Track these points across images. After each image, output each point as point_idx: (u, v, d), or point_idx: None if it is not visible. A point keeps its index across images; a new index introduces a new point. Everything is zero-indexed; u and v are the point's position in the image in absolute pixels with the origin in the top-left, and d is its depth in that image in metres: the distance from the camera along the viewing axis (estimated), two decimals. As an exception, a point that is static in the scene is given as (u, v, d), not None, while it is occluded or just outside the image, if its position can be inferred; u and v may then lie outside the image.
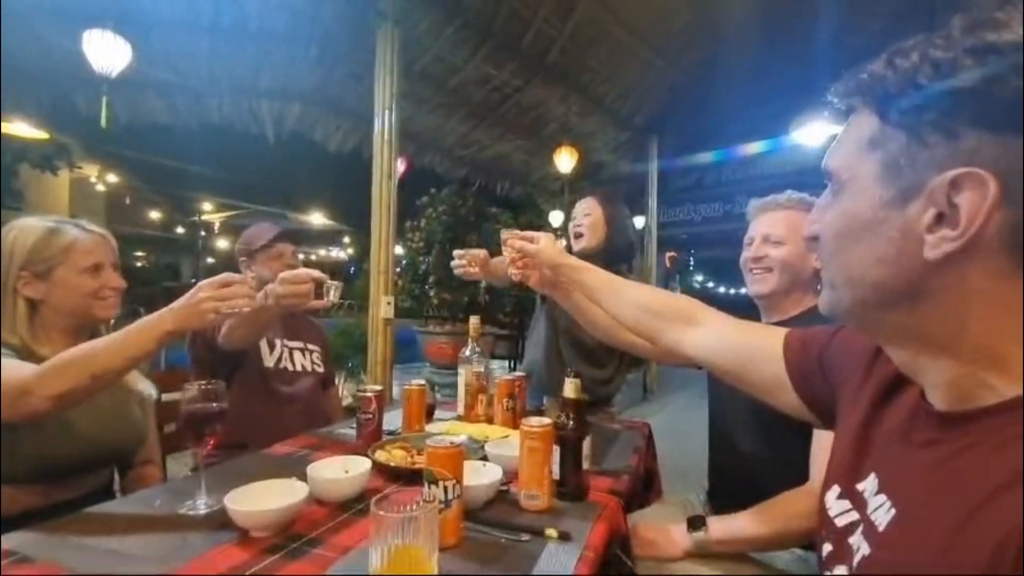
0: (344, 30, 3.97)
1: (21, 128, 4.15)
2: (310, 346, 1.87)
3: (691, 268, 31.15)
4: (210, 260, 11.96)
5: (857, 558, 0.50)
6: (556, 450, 0.97)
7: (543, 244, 1.17)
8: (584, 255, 1.95)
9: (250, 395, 1.60)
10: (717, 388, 1.33)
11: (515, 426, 1.41)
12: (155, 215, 10.42)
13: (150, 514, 0.89)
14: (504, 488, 0.99)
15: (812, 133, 5.12)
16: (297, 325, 1.85)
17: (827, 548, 0.58)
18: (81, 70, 3.19)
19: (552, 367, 1.90)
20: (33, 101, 3.98)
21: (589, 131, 5.96)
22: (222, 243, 11.74)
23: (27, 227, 1.13)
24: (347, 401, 3.14)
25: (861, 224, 0.48)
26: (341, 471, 0.99)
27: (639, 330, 0.95)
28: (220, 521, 0.83)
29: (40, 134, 4.37)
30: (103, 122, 3.08)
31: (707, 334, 0.85)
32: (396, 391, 3.65)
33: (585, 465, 1.01)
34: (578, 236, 1.96)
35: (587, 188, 6.12)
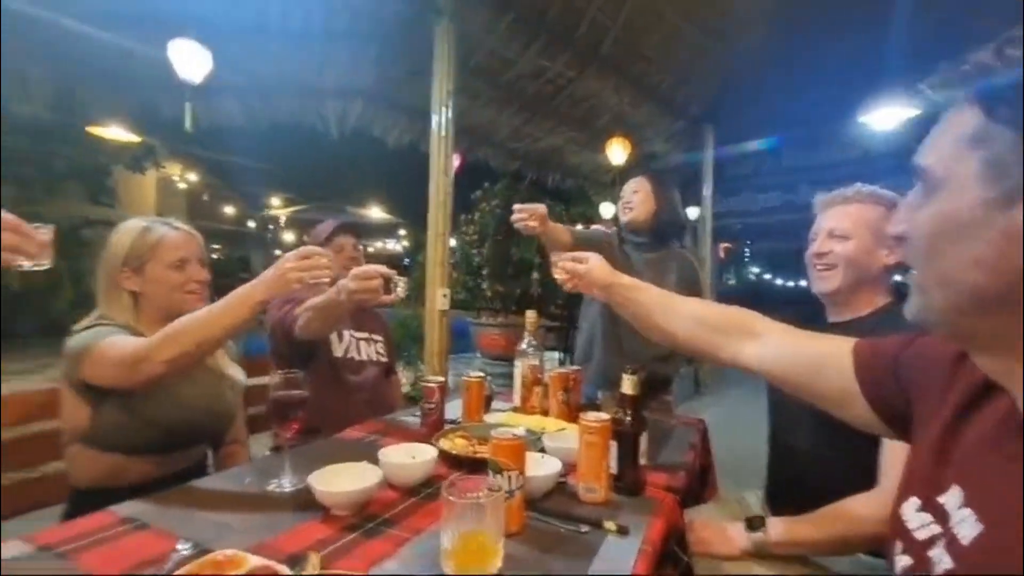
0: (402, 28, 4.06)
1: (116, 132, 4.52)
2: (375, 336, 1.95)
3: (746, 259, 29.92)
4: (277, 252, 12.65)
5: (938, 571, 0.49)
6: (614, 445, 0.98)
7: (592, 264, 1.11)
8: (633, 227, 1.96)
9: (322, 383, 1.69)
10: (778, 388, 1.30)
11: (570, 419, 1.43)
12: (229, 210, 11.10)
13: (241, 491, 0.97)
14: (562, 480, 1.02)
15: (883, 117, 4.79)
16: (363, 317, 1.93)
17: (904, 560, 0.56)
18: (167, 77, 3.44)
19: (607, 360, 1.91)
20: (125, 107, 4.31)
21: (642, 121, 5.83)
22: (288, 236, 12.36)
23: (126, 228, 1.25)
24: (405, 389, 3.26)
25: (959, 225, 0.46)
26: (408, 457, 1.04)
27: (696, 345, 0.93)
28: (304, 500, 0.90)
29: (132, 138, 4.73)
30: (187, 126, 3.30)
31: (768, 346, 0.83)
32: (450, 381, 3.75)
33: (642, 460, 1.02)
34: (627, 210, 2.00)
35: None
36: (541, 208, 1.63)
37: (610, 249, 1.91)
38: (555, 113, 5.55)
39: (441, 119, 3.29)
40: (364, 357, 1.88)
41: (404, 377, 3.90)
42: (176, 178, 7.06)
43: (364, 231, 2.22)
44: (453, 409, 1.51)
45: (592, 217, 6.49)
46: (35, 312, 4.79)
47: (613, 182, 6.67)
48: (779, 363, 0.82)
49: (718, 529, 1.08)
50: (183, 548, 0.72)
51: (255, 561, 0.68)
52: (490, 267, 4.79)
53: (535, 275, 5.16)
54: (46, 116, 4.40)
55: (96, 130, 4.53)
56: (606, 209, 6.54)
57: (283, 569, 0.67)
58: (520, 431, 0.89)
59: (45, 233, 0.65)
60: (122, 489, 1.10)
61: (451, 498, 0.67)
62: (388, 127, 5.53)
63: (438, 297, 3.26)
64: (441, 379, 1.35)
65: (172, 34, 3.36)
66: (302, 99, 5.08)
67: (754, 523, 1.03)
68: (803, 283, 1.31)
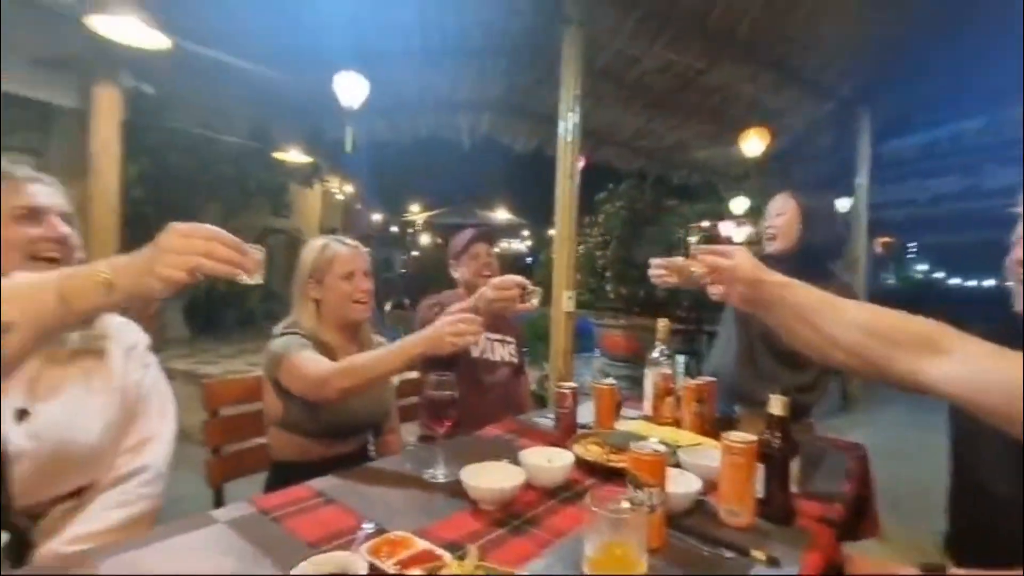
0: (530, 40, 4.17)
1: (293, 155, 5.29)
2: (507, 338, 2.04)
3: (910, 256, 25.70)
4: (414, 253, 13.74)
5: None
6: (760, 468, 0.92)
7: (739, 259, 0.97)
8: (774, 259, 1.76)
9: (461, 383, 1.82)
10: (964, 413, 1.11)
11: (704, 432, 1.37)
12: (376, 217, 12.35)
13: (402, 475, 1.09)
14: (701, 497, 0.99)
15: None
16: (497, 319, 2.03)
17: None
18: (330, 104, 3.92)
19: (744, 373, 1.78)
20: (300, 134, 5.00)
21: (781, 108, 5.30)
22: (425, 239, 13.38)
23: (311, 246, 1.46)
24: (531, 386, 3.35)
25: None
26: (546, 460, 1.08)
27: (863, 356, 0.80)
28: (454, 490, 0.98)
29: (305, 159, 5.48)
30: (348, 148, 3.72)
31: (958, 365, 0.71)
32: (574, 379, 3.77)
33: (792, 487, 0.95)
34: (771, 239, 1.80)
35: (777, 180, 5.45)
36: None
37: None
38: (682, 107, 5.29)
39: (568, 124, 3.32)
40: (497, 358, 1.98)
41: (530, 375, 4.01)
42: (335, 190, 7.99)
43: (496, 237, 2.32)
44: (584, 412, 1.53)
45: (722, 214, 6.06)
46: (234, 307, 5.83)
47: (746, 175, 6.16)
48: (973, 387, 0.69)
49: (883, 570, 0.96)
50: (367, 527, 0.83)
51: (421, 545, 0.76)
52: (614, 269, 4.72)
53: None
54: (245, 145, 5.33)
55: (279, 155, 5.34)
56: (737, 204, 6.06)
57: (445, 555, 0.74)
58: (658, 445, 0.88)
59: (258, 253, 0.77)
60: (307, 464, 1.30)
61: (595, 508, 0.69)
62: (515, 134, 5.71)
63: (564, 299, 3.30)
64: (574, 385, 1.37)
65: (337, 67, 3.82)
66: (438, 114, 5.46)
67: (933, 569, 0.90)
68: (988, 283, 1.06)
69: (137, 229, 4.17)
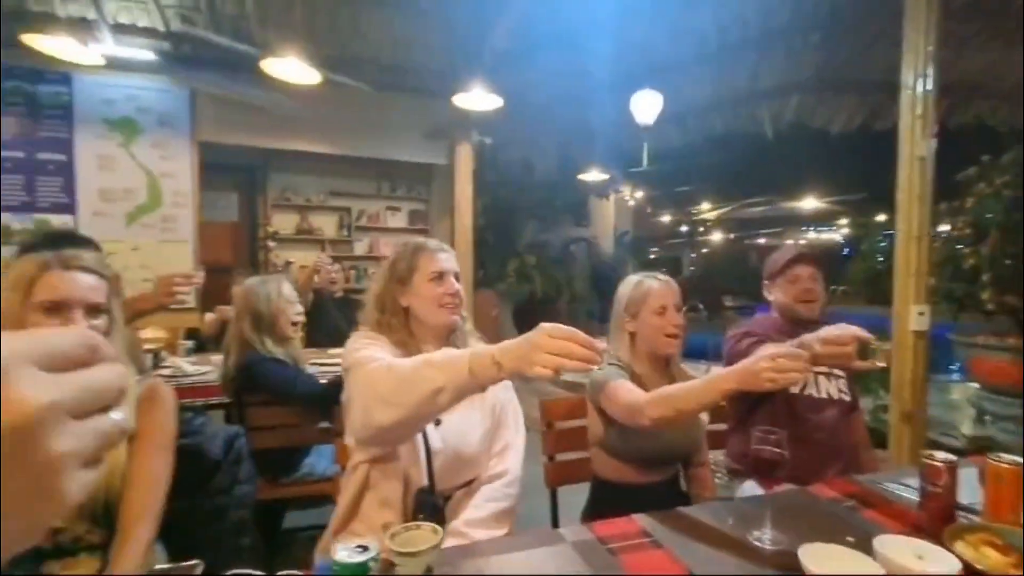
0: (852, 2, 3.40)
1: (592, 174, 5.74)
2: (836, 371, 1.72)
3: None
4: (704, 250, 13.00)
5: None
6: None
7: None
8: None
9: (775, 421, 1.62)
10: None
11: None
12: (665, 219, 12.22)
13: (723, 531, 1.03)
14: None
15: None
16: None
17: None
18: (625, 122, 4.06)
19: None
20: (599, 153, 5.35)
21: None
22: (716, 236, 12.53)
23: (627, 281, 1.52)
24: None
25: None
26: (914, 555, 0.86)
27: None
28: (784, 562, 0.87)
29: (603, 176, 5.87)
30: (644, 164, 3.78)
31: None
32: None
33: None
34: None
35: None
36: None
37: None
38: None
39: (916, 90, 2.54)
40: (824, 394, 1.68)
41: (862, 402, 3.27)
42: (627, 197, 8.26)
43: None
44: (966, 489, 1.14)
45: None
46: (547, 310, 6.71)
47: None
48: None
49: None
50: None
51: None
52: (993, 271, 3.35)
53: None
54: (554, 171, 6.11)
55: (582, 176, 5.88)
56: None
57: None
58: None
59: (601, 343, 0.87)
60: (623, 486, 1.38)
61: None
62: (831, 113, 4.79)
63: (912, 315, 2.56)
64: (952, 458, 1.04)
65: (631, 87, 3.92)
66: (735, 108, 5.01)
67: None
68: None
69: (483, 251, 5.27)
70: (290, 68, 3.07)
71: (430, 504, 1.14)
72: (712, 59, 4.18)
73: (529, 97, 4.26)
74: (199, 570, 0.70)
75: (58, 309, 0.95)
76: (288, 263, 5.43)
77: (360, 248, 5.83)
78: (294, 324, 2.09)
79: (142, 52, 3.66)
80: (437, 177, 5.52)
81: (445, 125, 4.56)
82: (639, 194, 8.57)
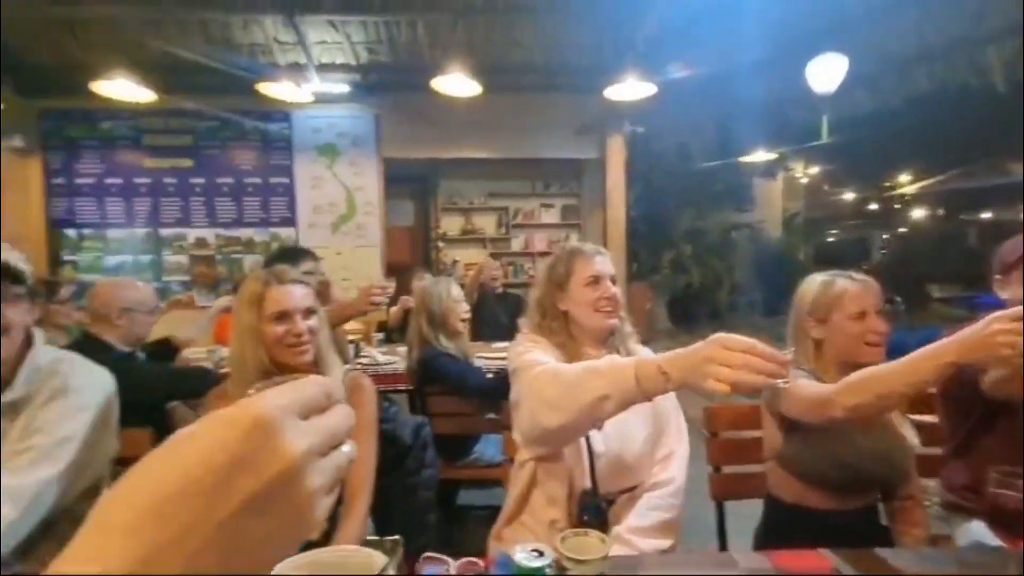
0: None
1: (757, 154, 5.14)
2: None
3: None
4: (902, 229, 10.70)
5: None
6: None
7: None
8: None
9: (1016, 448, 1.28)
10: None
11: None
12: (847, 196, 10.33)
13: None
14: None
15: None
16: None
17: None
18: (799, 91, 3.53)
19: None
20: (765, 132, 4.77)
21: None
22: (917, 213, 10.22)
23: (810, 281, 1.33)
24: None
25: None
26: None
27: None
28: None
29: (769, 156, 5.23)
30: (823, 138, 3.28)
31: None
32: None
33: None
34: None
35: None
36: None
37: None
38: None
39: None
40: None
41: None
42: (799, 174, 7.24)
43: None
44: None
45: None
46: (705, 302, 6.24)
47: None
48: None
49: None
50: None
51: None
52: None
53: None
54: (712, 153, 5.61)
55: (744, 158, 5.31)
56: None
57: None
58: None
59: (788, 355, 0.76)
60: (804, 510, 1.23)
61: None
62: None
63: None
64: None
65: (807, 52, 3.39)
66: (947, 59, 4.01)
67: None
68: None
69: (636, 242, 5.10)
70: (455, 83, 3.33)
71: (594, 506, 1.16)
72: (915, 1, 3.40)
73: (684, 80, 3.97)
74: (400, 546, 0.81)
75: (283, 317, 1.09)
76: (455, 261, 5.97)
77: (516, 244, 6.15)
78: (463, 321, 2.29)
79: (339, 85, 4.30)
80: (588, 171, 5.48)
81: (596, 119, 4.50)
82: (813, 170, 7.43)
